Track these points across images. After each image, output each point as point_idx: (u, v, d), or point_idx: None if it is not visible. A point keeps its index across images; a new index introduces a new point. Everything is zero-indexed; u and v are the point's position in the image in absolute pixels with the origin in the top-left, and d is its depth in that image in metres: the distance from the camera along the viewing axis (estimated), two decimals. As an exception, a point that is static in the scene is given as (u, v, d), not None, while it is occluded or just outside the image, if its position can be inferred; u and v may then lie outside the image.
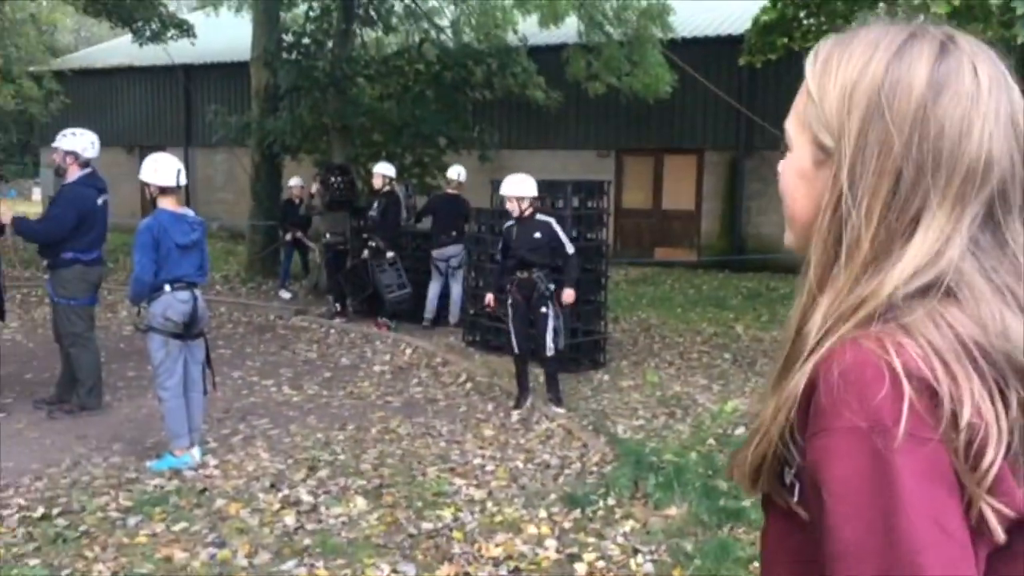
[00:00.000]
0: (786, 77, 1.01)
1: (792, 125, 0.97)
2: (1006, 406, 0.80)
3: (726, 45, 14.01)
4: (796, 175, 0.96)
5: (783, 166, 0.99)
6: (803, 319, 0.90)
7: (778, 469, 0.91)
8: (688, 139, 16.13)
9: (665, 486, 4.92)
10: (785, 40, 9.37)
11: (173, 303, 5.30)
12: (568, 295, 6.71)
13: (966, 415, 0.77)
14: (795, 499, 0.89)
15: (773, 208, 14.19)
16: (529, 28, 14.63)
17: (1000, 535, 0.78)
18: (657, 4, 13.17)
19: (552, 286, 6.70)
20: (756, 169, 15.20)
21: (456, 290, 9.80)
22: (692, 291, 13.06)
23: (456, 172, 10.32)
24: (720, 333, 9.77)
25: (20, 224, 6.20)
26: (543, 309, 6.67)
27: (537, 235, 6.74)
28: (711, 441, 5.88)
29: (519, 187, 6.79)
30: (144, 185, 5.40)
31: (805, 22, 8.95)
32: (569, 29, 14.13)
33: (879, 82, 0.87)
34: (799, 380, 0.85)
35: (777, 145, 1.02)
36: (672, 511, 4.69)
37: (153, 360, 5.41)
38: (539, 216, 6.87)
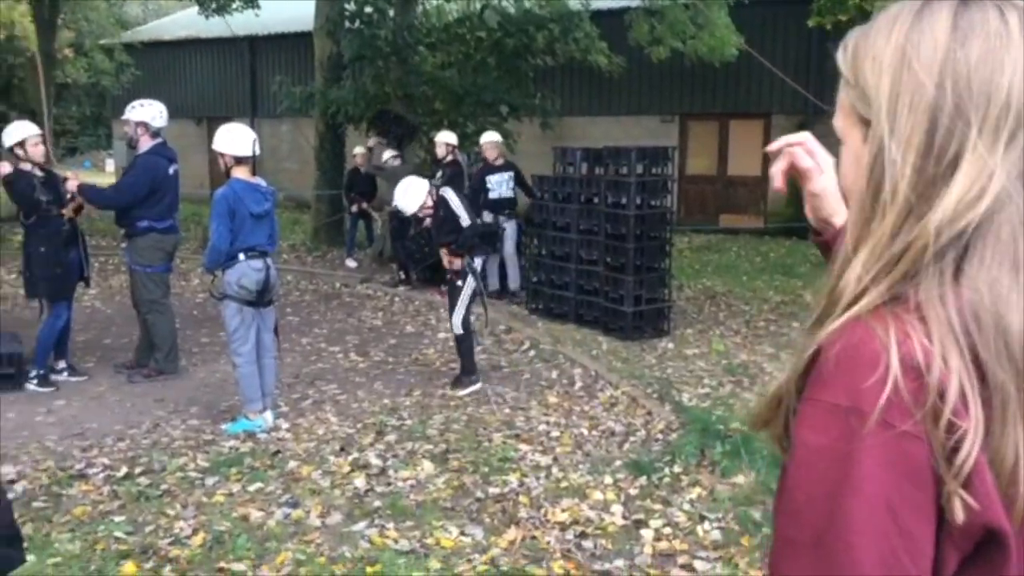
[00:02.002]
0: (835, 42, 1.00)
1: (839, 119, 0.99)
2: (987, 388, 0.81)
3: (795, 6, 13.61)
4: (852, 162, 0.97)
5: (841, 163, 1.01)
6: (837, 277, 0.90)
7: (787, 422, 0.92)
8: (755, 103, 15.79)
9: (732, 454, 4.89)
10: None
11: (247, 271, 5.42)
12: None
13: (948, 410, 0.79)
14: None
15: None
16: (591, -8, 14.43)
17: (960, 518, 0.79)
18: (723, -36, 12.86)
19: (476, 262, 6.59)
20: (825, 133, 14.75)
21: (512, 258, 9.75)
22: (758, 258, 12.86)
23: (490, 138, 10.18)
24: (788, 301, 9.61)
25: (89, 192, 6.39)
26: (458, 282, 6.57)
27: (440, 213, 6.61)
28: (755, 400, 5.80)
29: (413, 201, 6.60)
30: (219, 155, 5.50)
31: (879, -20, 8.65)
32: (632, -8, 13.90)
33: (903, 42, 0.88)
34: (811, 345, 0.88)
35: None
36: (740, 479, 4.66)
37: (228, 327, 5.55)
38: (440, 194, 6.67)
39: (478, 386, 6.45)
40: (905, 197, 0.86)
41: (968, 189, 0.84)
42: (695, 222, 15.53)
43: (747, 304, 9.51)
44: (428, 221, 6.81)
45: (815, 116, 15.01)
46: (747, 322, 8.66)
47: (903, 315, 0.83)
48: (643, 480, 4.72)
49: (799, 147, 1.37)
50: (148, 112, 6.41)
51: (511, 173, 9.70)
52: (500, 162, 9.75)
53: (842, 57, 0.97)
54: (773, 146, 1.40)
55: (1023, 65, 0.85)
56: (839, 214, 1.34)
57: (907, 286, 0.85)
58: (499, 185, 9.65)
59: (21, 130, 6.32)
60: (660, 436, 5.43)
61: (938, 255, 0.84)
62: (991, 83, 0.85)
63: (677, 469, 4.84)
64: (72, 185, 6.29)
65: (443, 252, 6.66)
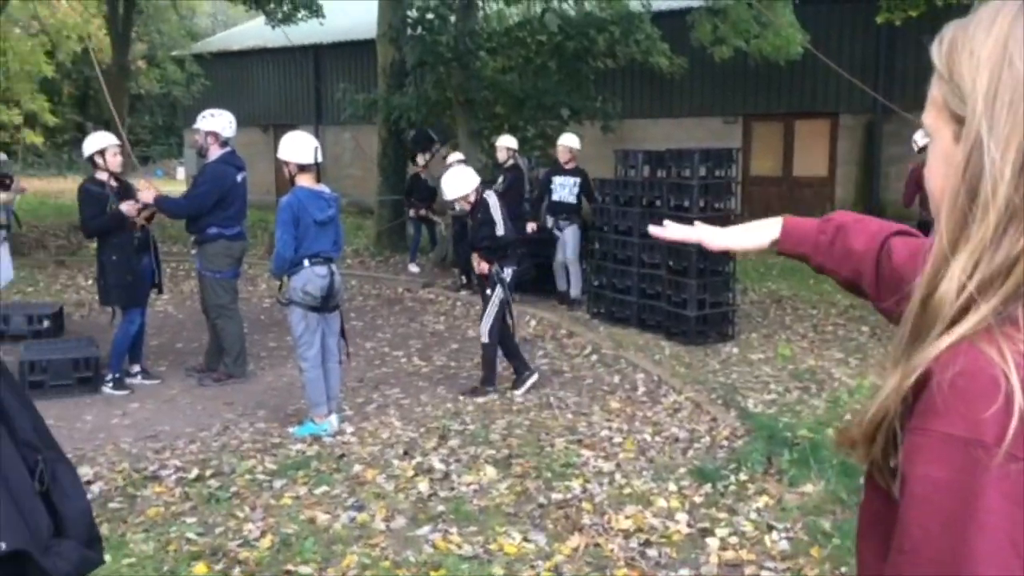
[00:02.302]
0: (928, 34, 0.96)
1: (929, 115, 0.94)
2: None
3: (862, 3, 13.32)
4: (940, 160, 0.92)
5: (928, 162, 0.96)
6: (932, 284, 0.86)
7: (885, 447, 0.88)
8: (821, 103, 15.47)
9: (801, 462, 4.79)
10: (929, -6, 8.85)
11: (312, 277, 5.51)
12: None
13: None
14: (895, 484, 0.86)
15: (913, 173, 13.46)
16: (653, -8, 14.32)
17: None
18: (788, -38, 12.64)
19: (506, 272, 6.55)
20: (895, 132, 14.45)
21: (573, 264, 9.68)
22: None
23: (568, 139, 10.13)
24: (856, 305, 9.37)
25: (164, 202, 6.57)
26: (487, 291, 6.54)
27: (478, 215, 6.62)
28: (849, 417, 5.68)
29: (457, 189, 6.57)
30: (283, 163, 5.60)
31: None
32: (694, -8, 13.75)
33: (1005, 37, 0.84)
34: (918, 366, 0.83)
35: (919, 107, 0.98)
36: (808, 488, 4.57)
37: (294, 332, 5.65)
38: (483, 196, 6.65)
39: (492, 397, 6.41)
40: (1006, 200, 0.82)
41: None
42: (760, 224, 15.26)
43: (814, 308, 9.32)
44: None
45: (883, 115, 14.67)
46: (814, 326, 8.48)
47: (1014, 335, 0.79)
48: (708, 488, 4.66)
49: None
50: (218, 122, 6.57)
51: (577, 179, 9.59)
52: (571, 166, 9.68)
53: (937, 50, 0.93)
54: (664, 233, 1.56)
55: None
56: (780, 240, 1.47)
57: (1016, 303, 0.81)
58: (562, 188, 9.60)
59: (101, 140, 6.53)
60: (725, 443, 5.35)
61: None
62: None
63: (743, 477, 4.76)
64: (147, 196, 6.46)
65: (475, 256, 6.65)
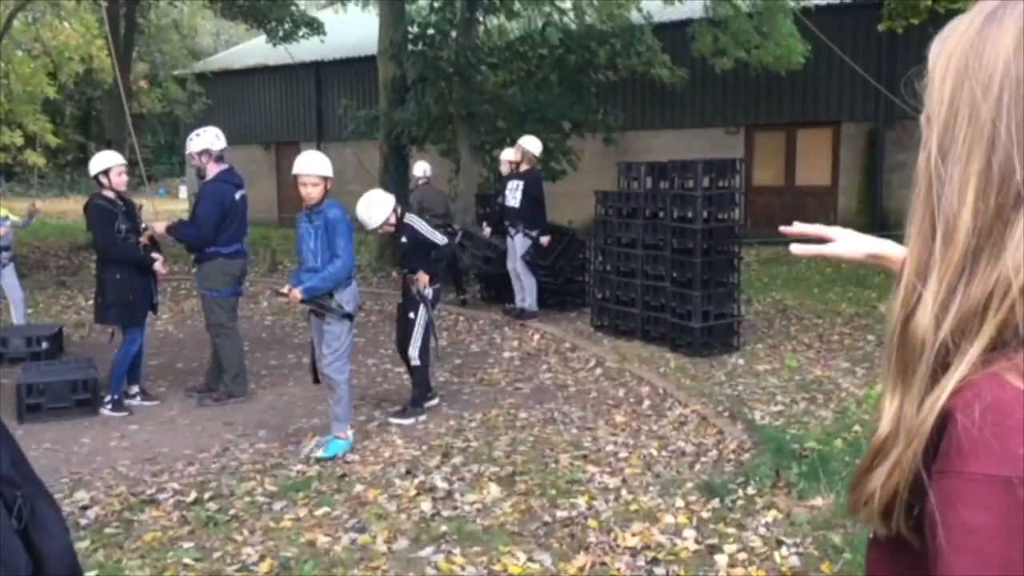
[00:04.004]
0: (930, 43, 0.90)
1: (922, 117, 0.88)
2: None
3: (863, 11, 13.31)
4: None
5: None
6: (907, 313, 0.81)
7: (909, 502, 0.80)
8: (823, 111, 15.43)
9: (809, 475, 4.69)
10: (929, 2, 8.80)
11: (356, 290, 5.65)
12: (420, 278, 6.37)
13: None
14: (920, 538, 0.79)
15: (917, 181, 13.40)
16: (653, 5, 14.30)
17: None
18: (787, -29, 12.63)
19: (428, 291, 6.36)
20: (898, 140, 14.41)
21: (523, 272, 9.32)
22: (829, 269, 12.49)
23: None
24: (862, 313, 9.30)
25: (178, 232, 6.53)
26: (410, 314, 6.36)
27: (403, 240, 6.42)
28: (857, 428, 5.58)
29: (376, 216, 6.38)
30: (323, 179, 5.57)
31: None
32: (695, 3, 13.73)
33: (969, 44, 0.79)
34: (929, 414, 0.76)
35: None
36: (818, 501, 4.47)
37: (335, 346, 5.54)
38: (405, 220, 6.46)
39: (421, 419, 6.22)
40: (968, 226, 0.76)
41: None
42: (763, 234, 15.17)
43: (819, 317, 9.23)
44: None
45: (886, 123, 14.62)
46: (820, 336, 8.39)
47: None
48: (716, 503, 4.57)
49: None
50: (205, 139, 6.54)
51: (521, 182, 9.20)
52: (523, 168, 9.38)
53: (931, 49, 0.88)
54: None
55: None
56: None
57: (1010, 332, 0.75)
58: (511, 192, 9.26)
59: (106, 159, 6.49)
60: (732, 456, 5.26)
61: None
62: None
63: (751, 491, 4.67)
64: (160, 227, 6.44)
65: (420, 276, 6.36)
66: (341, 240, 5.49)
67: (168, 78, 22.97)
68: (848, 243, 1.44)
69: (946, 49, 0.83)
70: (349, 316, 5.58)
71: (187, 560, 3.99)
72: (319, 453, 5.46)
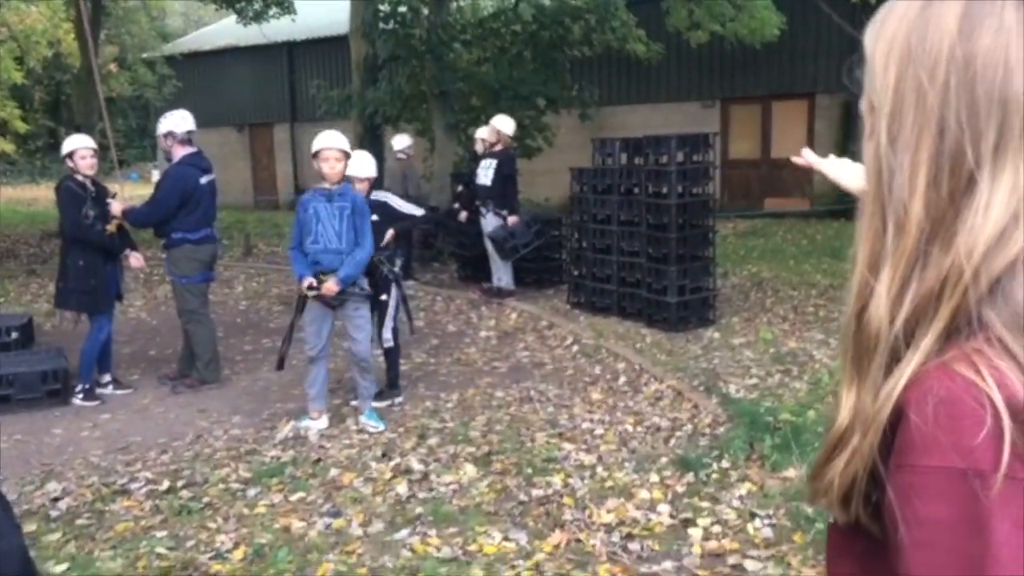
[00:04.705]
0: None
1: (863, 103, 0.88)
2: None
3: (835, -19, 13.27)
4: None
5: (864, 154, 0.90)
6: (861, 302, 0.80)
7: (868, 490, 0.81)
8: (798, 84, 15.45)
9: (782, 447, 4.72)
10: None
11: None
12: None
13: None
14: (880, 526, 0.79)
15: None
16: (627, -21, 14.21)
17: None
18: (760, -58, 12.57)
19: (396, 266, 6.29)
20: (872, 111, 14.45)
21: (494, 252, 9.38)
22: (805, 241, 12.56)
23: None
24: (836, 285, 9.34)
25: (130, 214, 6.44)
26: (382, 296, 6.23)
27: (375, 218, 6.13)
28: (830, 399, 5.62)
29: (360, 163, 6.15)
30: (346, 155, 5.56)
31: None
32: (668, -24, 13.66)
33: (911, 28, 0.78)
34: (884, 405, 0.76)
35: None
36: (791, 473, 4.50)
37: (367, 328, 5.75)
38: (374, 197, 6.31)
39: (398, 400, 6.20)
40: (920, 214, 0.75)
41: (1002, 214, 0.73)
42: (739, 207, 15.25)
43: (794, 289, 9.27)
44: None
45: (859, 95, 14.64)
46: (795, 308, 8.43)
47: (985, 350, 0.73)
48: (690, 477, 4.58)
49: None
50: (171, 121, 6.44)
51: (495, 161, 9.15)
52: (497, 148, 9.31)
53: (869, 35, 0.86)
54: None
55: None
56: None
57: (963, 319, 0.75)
58: (483, 171, 9.21)
59: (72, 142, 6.41)
60: (707, 430, 5.28)
61: (1007, 275, 0.74)
62: (1006, 85, 0.73)
63: (725, 464, 4.69)
64: (117, 209, 6.35)
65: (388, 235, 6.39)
66: (367, 224, 5.54)
67: (137, 61, 22.64)
68: (850, 174, 1.45)
69: (885, 34, 0.81)
70: (369, 296, 5.70)
71: (160, 549, 3.96)
72: (368, 420, 5.63)
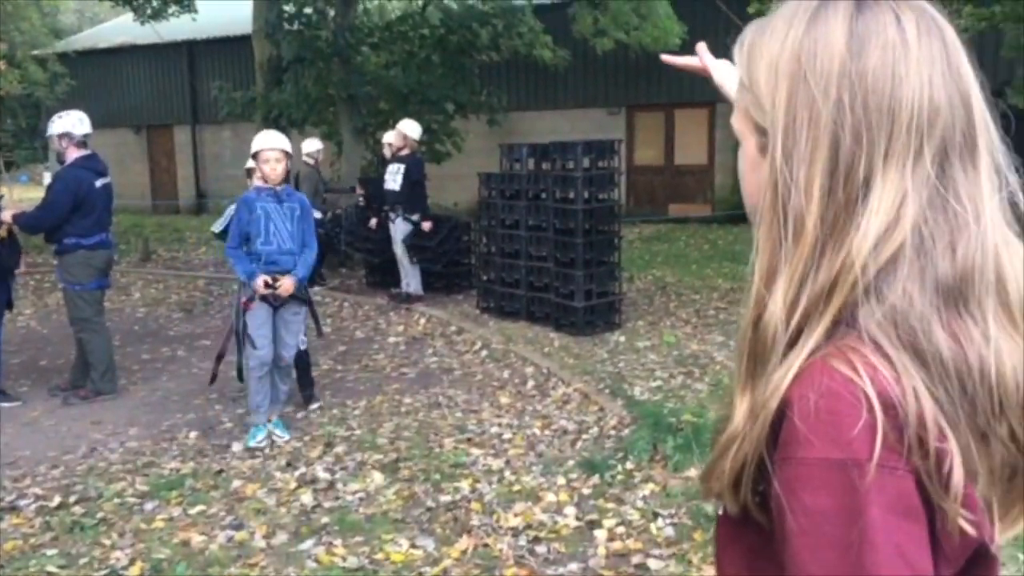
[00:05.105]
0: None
1: (735, 119, 0.92)
2: (956, 413, 0.78)
3: (735, -7, 13.68)
4: (749, 168, 0.92)
5: (740, 164, 0.94)
6: (758, 310, 0.84)
7: (754, 480, 0.85)
8: (699, 92, 15.81)
9: (684, 447, 4.84)
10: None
11: None
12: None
13: (932, 437, 0.76)
14: (768, 517, 0.84)
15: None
16: (533, -13, 14.36)
17: (967, 534, 0.78)
18: (663, -46, 12.88)
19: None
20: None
21: (403, 258, 9.31)
22: (707, 246, 12.91)
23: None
24: (737, 288, 9.64)
25: (19, 219, 6.14)
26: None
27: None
28: (726, 399, 5.78)
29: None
30: (287, 155, 5.45)
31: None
32: (574, -15, 13.86)
33: (798, 48, 0.82)
34: (772, 396, 0.80)
35: None
36: (692, 472, 4.62)
37: (299, 330, 5.69)
38: None
39: (313, 406, 6.15)
40: (816, 223, 0.80)
41: (885, 216, 0.78)
42: (645, 212, 15.56)
43: (697, 293, 9.52)
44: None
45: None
46: (697, 311, 8.66)
47: (859, 347, 0.78)
48: (596, 479, 4.65)
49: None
50: (67, 122, 6.18)
51: (403, 166, 9.11)
52: (404, 153, 9.28)
53: (738, 55, 0.90)
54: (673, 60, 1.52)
55: (925, 76, 0.79)
56: None
57: (856, 312, 0.80)
58: (391, 176, 9.16)
59: None
60: (613, 432, 5.37)
61: (869, 283, 0.79)
62: (894, 99, 0.79)
63: (630, 466, 4.78)
64: (6, 214, 6.07)
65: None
66: (312, 226, 5.52)
67: (27, 58, 21.62)
68: (724, 72, 1.47)
69: (767, 54, 0.85)
70: (307, 301, 5.68)
71: (51, 568, 3.79)
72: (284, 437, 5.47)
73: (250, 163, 6.12)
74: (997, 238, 0.82)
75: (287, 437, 5.49)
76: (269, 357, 5.45)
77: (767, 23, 0.88)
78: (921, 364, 0.77)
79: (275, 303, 5.43)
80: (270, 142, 5.39)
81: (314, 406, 6.12)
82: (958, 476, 0.76)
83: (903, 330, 0.78)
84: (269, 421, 5.51)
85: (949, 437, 0.76)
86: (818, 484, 0.76)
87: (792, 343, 0.81)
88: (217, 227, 6.33)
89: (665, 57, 1.56)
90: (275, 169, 5.34)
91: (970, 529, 0.77)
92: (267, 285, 5.32)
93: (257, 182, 5.58)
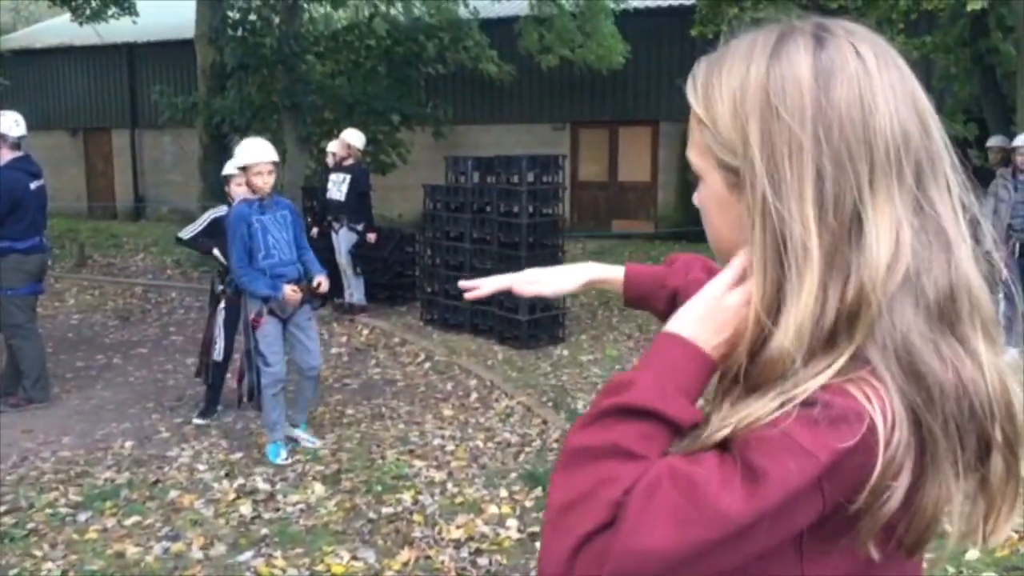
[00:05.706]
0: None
1: (693, 155, 0.92)
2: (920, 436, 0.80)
3: (678, 15, 13.97)
4: (715, 205, 0.92)
5: (699, 199, 0.95)
6: (757, 345, 0.84)
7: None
8: (643, 111, 16.09)
9: (625, 461, 4.90)
10: (736, 10, 9.37)
11: None
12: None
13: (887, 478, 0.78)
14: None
15: (728, 178, 14.22)
16: (480, 3, 14.44)
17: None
18: (608, -26, 13.10)
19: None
20: (711, 140, 15.22)
21: (348, 268, 9.26)
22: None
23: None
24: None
25: None
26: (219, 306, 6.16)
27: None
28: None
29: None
30: (276, 165, 5.35)
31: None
32: (521, 1, 13.99)
33: (764, 85, 0.83)
34: (782, 405, 0.80)
35: None
36: (633, 486, 4.68)
37: (316, 334, 5.70)
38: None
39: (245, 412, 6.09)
40: (818, 255, 0.81)
41: (889, 242, 0.80)
42: (588, 228, 15.71)
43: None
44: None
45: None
46: (639, 326, 8.77)
47: (867, 381, 0.80)
48: (538, 491, 4.68)
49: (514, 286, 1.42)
50: (2, 124, 6.02)
51: (347, 176, 9.08)
52: (348, 163, 9.23)
53: (692, 92, 0.90)
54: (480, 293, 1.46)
55: (892, 104, 0.82)
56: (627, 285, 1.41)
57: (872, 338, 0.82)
58: (334, 186, 9.12)
59: None
60: (555, 445, 5.42)
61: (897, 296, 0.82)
62: (869, 128, 0.81)
63: (572, 479, 4.82)
64: None
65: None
66: (303, 228, 5.54)
67: (-43, 56, 20.96)
68: (552, 282, 1.45)
69: (727, 90, 0.85)
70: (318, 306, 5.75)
71: (-23, 581, 3.69)
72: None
73: (229, 170, 5.94)
74: (970, 255, 0.85)
75: (317, 443, 5.47)
76: (283, 374, 5.35)
77: (721, 59, 0.88)
78: (919, 388, 0.79)
79: (283, 315, 5.32)
80: (262, 155, 5.25)
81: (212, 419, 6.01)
82: (890, 508, 0.79)
83: (902, 356, 0.79)
84: (296, 427, 5.51)
85: (904, 470, 0.78)
86: (783, 449, 0.77)
87: (800, 371, 0.81)
88: (185, 234, 6.22)
89: (465, 287, 1.50)
90: (267, 182, 5.26)
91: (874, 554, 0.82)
92: (305, 289, 5.32)
93: (243, 192, 5.48)
